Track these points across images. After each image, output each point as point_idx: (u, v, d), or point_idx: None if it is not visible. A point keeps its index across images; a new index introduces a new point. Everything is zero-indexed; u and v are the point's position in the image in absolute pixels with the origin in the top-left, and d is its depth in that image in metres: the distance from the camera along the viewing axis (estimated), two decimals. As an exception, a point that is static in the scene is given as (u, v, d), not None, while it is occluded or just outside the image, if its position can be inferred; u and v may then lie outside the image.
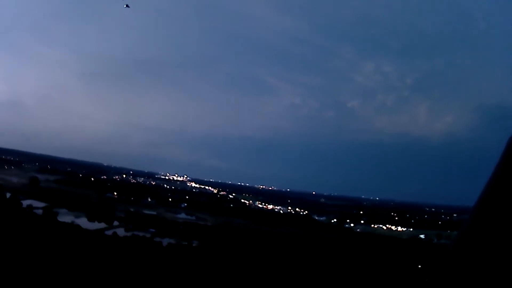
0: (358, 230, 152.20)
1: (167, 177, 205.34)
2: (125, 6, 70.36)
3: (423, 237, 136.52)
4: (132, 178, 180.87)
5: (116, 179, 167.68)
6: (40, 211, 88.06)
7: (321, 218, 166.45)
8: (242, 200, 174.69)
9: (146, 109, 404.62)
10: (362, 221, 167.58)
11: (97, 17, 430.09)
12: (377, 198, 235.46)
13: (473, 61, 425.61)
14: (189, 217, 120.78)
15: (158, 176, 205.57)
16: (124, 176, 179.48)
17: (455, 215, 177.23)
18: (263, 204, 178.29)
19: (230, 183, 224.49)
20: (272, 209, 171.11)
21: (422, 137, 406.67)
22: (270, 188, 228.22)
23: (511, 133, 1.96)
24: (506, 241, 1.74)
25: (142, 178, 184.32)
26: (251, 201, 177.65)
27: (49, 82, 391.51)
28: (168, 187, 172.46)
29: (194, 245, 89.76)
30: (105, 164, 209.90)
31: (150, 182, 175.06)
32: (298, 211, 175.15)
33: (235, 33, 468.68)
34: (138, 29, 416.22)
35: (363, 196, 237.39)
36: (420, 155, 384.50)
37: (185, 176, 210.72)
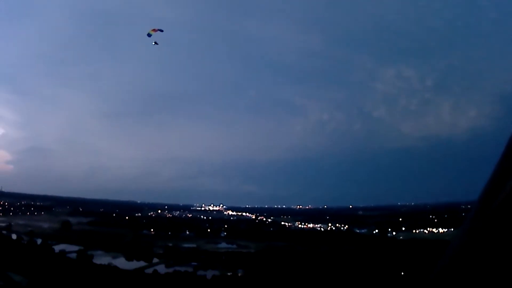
0: (401, 237, 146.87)
1: (203, 208, 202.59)
2: (153, 43, 66.24)
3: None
4: (167, 212, 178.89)
5: (151, 215, 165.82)
6: (74, 255, 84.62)
7: (363, 231, 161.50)
8: (282, 223, 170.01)
9: (174, 142, 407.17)
10: (403, 228, 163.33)
11: (114, 55, 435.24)
12: (413, 203, 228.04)
13: (488, 51, 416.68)
14: (230, 245, 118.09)
15: (194, 208, 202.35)
16: (159, 211, 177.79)
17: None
18: (303, 224, 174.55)
19: (266, 207, 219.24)
20: (313, 227, 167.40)
21: (449, 135, 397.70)
22: (308, 207, 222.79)
23: None
24: (509, 237, 1.74)
25: (178, 212, 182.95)
26: (290, 223, 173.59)
27: (72, 125, 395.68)
28: (205, 217, 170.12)
29: (239, 274, 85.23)
30: (138, 202, 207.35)
31: (186, 215, 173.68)
32: (338, 226, 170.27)
33: (255, 57, 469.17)
34: (156, 63, 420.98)
35: (399, 203, 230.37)
36: (449, 154, 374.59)
37: (221, 205, 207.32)
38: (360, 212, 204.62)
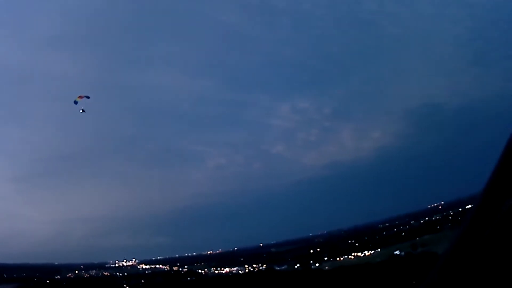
0: (326, 267, 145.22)
1: (116, 265, 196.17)
2: (80, 111, 67.83)
3: (398, 252, 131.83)
4: (84, 272, 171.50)
5: (69, 276, 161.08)
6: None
7: (283, 267, 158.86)
8: (199, 271, 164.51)
9: (82, 200, 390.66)
10: (325, 258, 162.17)
11: (16, 119, 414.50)
12: (325, 232, 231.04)
13: (389, 69, 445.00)
14: None
15: (108, 265, 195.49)
16: (76, 272, 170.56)
17: (412, 221, 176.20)
18: (219, 269, 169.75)
19: (177, 257, 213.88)
20: (230, 271, 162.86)
21: (354, 159, 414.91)
22: (218, 252, 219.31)
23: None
24: (506, 240, 1.74)
25: (94, 270, 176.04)
26: (206, 269, 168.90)
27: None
28: (121, 274, 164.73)
29: None
30: (56, 263, 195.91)
31: (102, 273, 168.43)
32: (256, 267, 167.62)
33: (150, 108, 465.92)
34: (57, 122, 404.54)
35: (310, 234, 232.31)
36: (357, 177, 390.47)
37: (134, 260, 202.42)
38: (273, 249, 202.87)
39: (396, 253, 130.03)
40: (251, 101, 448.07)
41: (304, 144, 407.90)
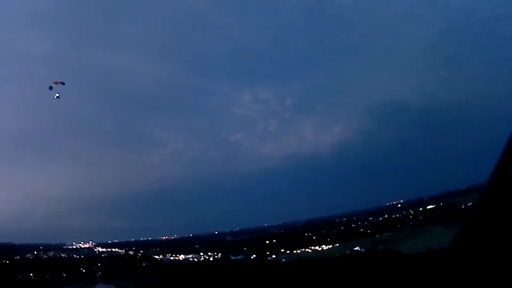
0: (283, 260, 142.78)
1: (74, 247, 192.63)
2: (55, 97, 68.70)
3: (359, 249, 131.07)
4: (43, 253, 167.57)
5: (28, 257, 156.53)
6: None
7: (239, 257, 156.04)
8: (153, 256, 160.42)
9: (41, 181, 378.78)
10: (282, 250, 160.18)
11: None
12: (281, 223, 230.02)
13: (356, 65, 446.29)
14: (108, 286, 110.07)
15: (66, 246, 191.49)
16: (35, 252, 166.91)
17: (370, 218, 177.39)
18: (174, 255, 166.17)
19: (133, 241, 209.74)
20: (185, 259, 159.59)
21: (314, 152, 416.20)
22: (173, 237, 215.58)
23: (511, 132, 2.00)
24: (507, 240, 1.76)
25: (53, 252, 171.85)
26: (161, 255, 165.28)
27: None
28: (78, 257, 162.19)
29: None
30: (16, 243, 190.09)
31: (60, 255, 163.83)
32: (211, 255, 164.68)
33: (112, 90, 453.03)
34: (16, 101, 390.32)
35: (266, 224, 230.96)
36: (316, 170, 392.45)
37: (91, 242, 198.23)
38: (229, 238, 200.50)
39: (356, 249, 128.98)
40: (213, 88, 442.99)
41: (263, 134, 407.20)
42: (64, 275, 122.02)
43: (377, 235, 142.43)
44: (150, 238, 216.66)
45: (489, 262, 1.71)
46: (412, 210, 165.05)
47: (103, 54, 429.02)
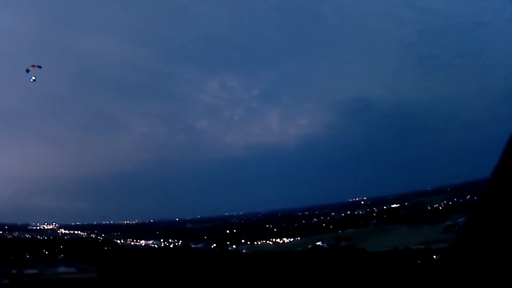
0: (244, 251, 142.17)
1: (38, 227, 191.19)
2: (32, 80, 67.51)
3: (321, 244, 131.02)
4: (8, 233, 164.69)
5: None
6: None
7: (199, 246, 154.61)
8: (115, 240, 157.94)
9: (7, 159, 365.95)
10: (243, 240, 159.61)
11: None
12: (241, 213, 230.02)
13: (326, 60, 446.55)
14: (69, 269, 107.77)
15: (31, 227, 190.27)
16: (0, 232, 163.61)
17: (333, 213, 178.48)
18: (135, 241, 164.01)
19: (96, 224, 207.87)
20: (146, 244, 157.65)
21: (277, 143, 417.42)
22: (135, 222, 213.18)
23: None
24: (508, 239, 1.78)
25: (17, 232, 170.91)
26: (122, 240, 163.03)
27: None
28: (41, 238, 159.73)
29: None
30: None
31: (25, 236, 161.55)
32: (171, 242, 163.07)
33: (81, 71, 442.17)
34: None
35: (226, 214, 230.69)
36: (278, 161, 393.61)
37: (54, 224, 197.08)
38: (189, 225, 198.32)
39: (319, 244, 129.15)
40: (181, 74, 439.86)
41: (229, 122, 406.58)
42: (27, 256, 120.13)
43: (339, 231, 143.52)
44: (112, 222, 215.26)
45: (489, 262, 1.73)
46: (375, 208, 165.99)
47: (71, 35, 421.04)
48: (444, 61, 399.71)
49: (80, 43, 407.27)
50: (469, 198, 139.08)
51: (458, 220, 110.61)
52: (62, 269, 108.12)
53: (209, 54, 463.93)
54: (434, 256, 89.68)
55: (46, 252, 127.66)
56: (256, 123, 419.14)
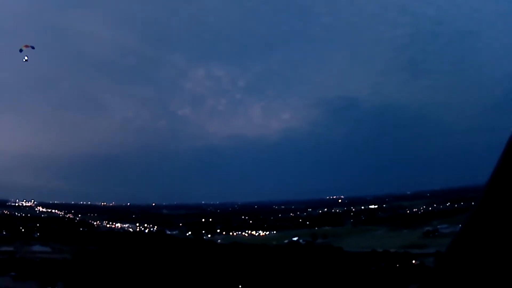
0: (219, 241, 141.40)
1: (17, 204, 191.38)
2: (24, 60, 66.64)
3: (297, 239, 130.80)
4: None
5: None
6: None
7: (174, 232, 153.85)
8: (90, 221, 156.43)
9: None
10: (218, 230, 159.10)
11: None
12: (218, 202, 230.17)
13: (313, 57, 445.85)
14: (44, 248, 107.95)
15: (9, 203, 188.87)
16: None
17: (309, 209, 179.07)
18: (110, 223, 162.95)
19: (73, 203, 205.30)
20: (121, 228, 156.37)
21: (259, 136, 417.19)
22: (111, 204, 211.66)
23: None
24: (507, 239, 1.79)
25: None
26: (98, 222, 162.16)
27: None
28: (19, 215, 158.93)
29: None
30: None
31: (3, 212, 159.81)
32: (147, 226, 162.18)
33: (67, 51, 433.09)
34: None
35: (203, 202, 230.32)
36: (258, 154, 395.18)
37: (33, 201, 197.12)
38: (165, 211, 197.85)
39: (295, 240, 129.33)
40: (167, 59, 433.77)
41: (212, 111, 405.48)
42: (4, 232, 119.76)
43: (316, 228, 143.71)
44: (89, 203, 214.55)
45: (489, 262, 1.77)
46: (353, 207, 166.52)
47: (58, 14, 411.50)
48: (433, 67, 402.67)
49: (67, 23, 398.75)
50: (449, 205, 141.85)
51: (438, 226, 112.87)
52: (37, 247, 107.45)
53: (197, 43, 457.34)
54: (414, 261, 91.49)
55: (23, 230, 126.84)
56: (239, 115, 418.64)
